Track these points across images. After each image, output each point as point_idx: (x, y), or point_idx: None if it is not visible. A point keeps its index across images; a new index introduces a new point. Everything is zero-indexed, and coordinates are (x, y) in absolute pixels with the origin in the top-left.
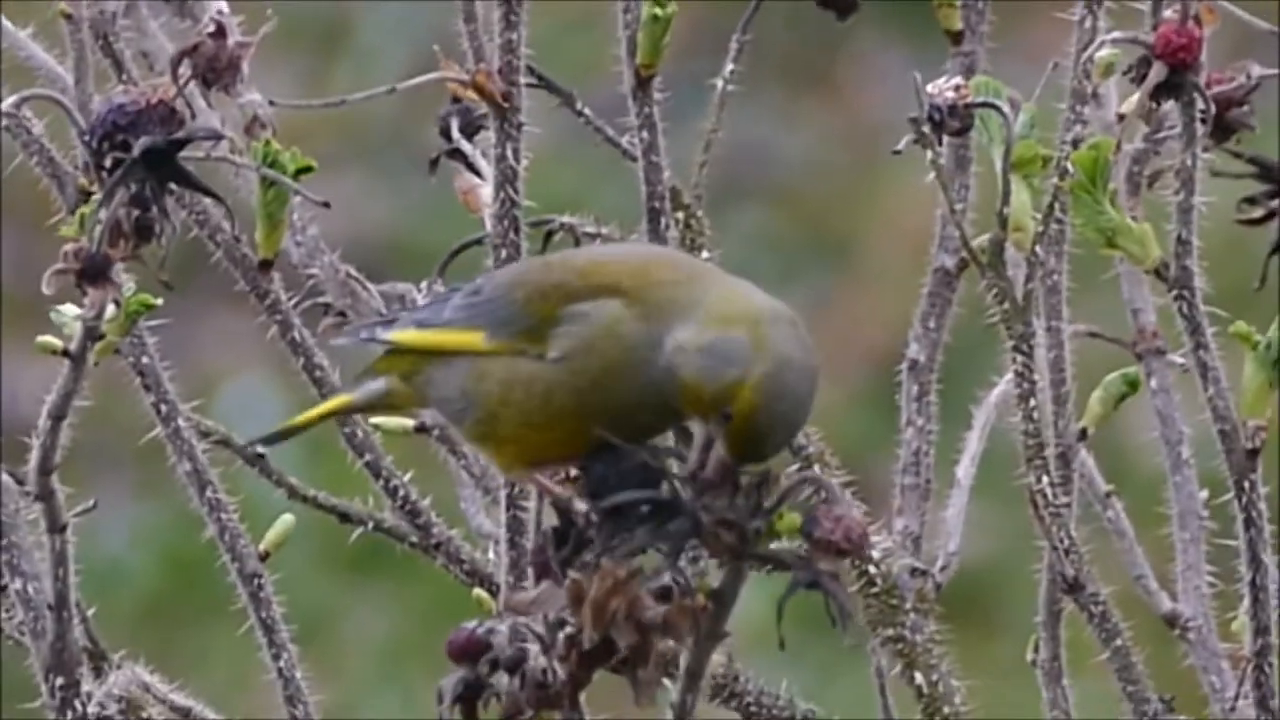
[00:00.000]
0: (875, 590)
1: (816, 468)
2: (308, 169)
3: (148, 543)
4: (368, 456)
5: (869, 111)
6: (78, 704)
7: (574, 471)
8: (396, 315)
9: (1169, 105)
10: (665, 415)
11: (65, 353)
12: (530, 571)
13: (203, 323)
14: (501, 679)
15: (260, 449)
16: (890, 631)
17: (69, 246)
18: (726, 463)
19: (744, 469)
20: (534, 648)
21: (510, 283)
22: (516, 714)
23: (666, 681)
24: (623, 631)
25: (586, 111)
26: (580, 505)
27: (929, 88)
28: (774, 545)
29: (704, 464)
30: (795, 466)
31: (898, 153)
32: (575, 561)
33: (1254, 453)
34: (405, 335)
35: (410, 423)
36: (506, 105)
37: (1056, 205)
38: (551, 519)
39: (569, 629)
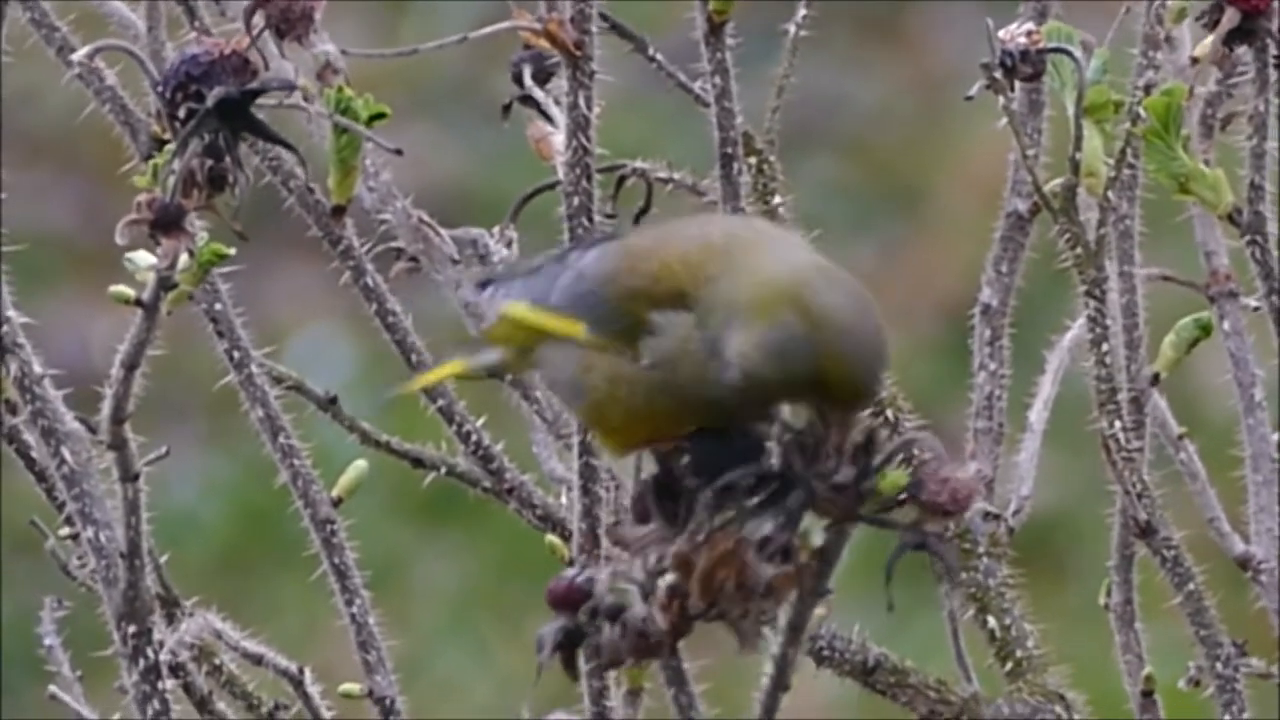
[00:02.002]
0: (948, 535)
1: (889, 413)
2: (381, 115)
3: (216, 493)
4: (440, 402)
5: (937, 59)
6: (150, 651)
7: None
8: (503, 275)
9: (1242, 50)
10: (761, 408)
11: (138, 302)
12: (630, 518)
13: (270, 272)
14: (602, 627)
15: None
16: (963, 576)
17: (142, 197)
18: (843, 429)
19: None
20: (634, 596)
21: (607, 276)
22: (616, 663)
23: (767, 630)
24: (731, 601)
25: (659, 58)
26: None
27: (1001, 33)
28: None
29: (819, 436)
30: (868, 412)
31: (970, 99)
32: (681, 526)
33: None
34: (517, 310)
35: None
36: (579, 54)
37: (1129, 150)
38: (651, 467)
39: (669, 577)
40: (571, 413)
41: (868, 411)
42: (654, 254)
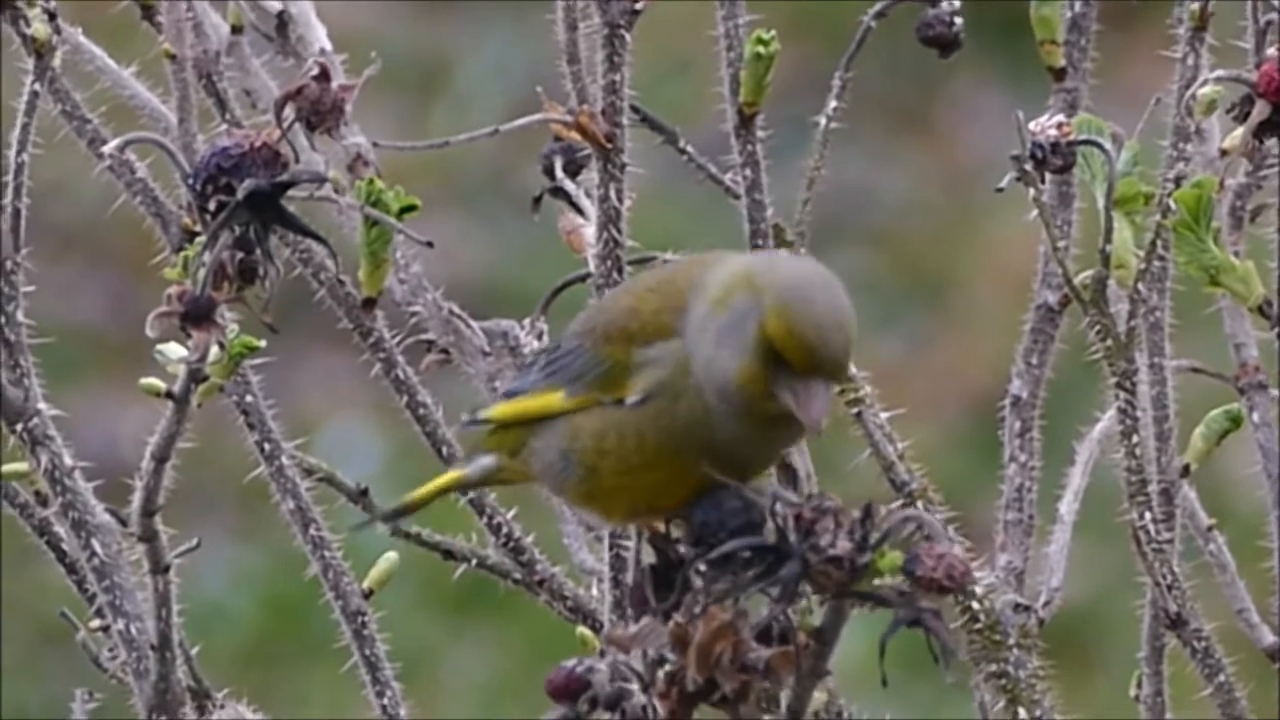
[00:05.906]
0: (978, 626)
1: (919, 505)
2: (412, 208)
3: (246, 585)
4: (471, 493)
5: (966, 151)
6: None
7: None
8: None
9: (1272, 142)
10: (760, 438)
11: (169, 395)
12: (629, 608)
13: (300, 363)
14: (601, 717)
15: (380, 514)
16: (994, 667)
17: (173, 289)
18: (811, 400)
19: (834, 386)
20: (634, 685)
21: (580, 331)
22: None
23: (766, 718)
24: (727, 676)
25: (690, 150)
26: (680, 545)
27: (1031, 125)
28: (875, 583)
29: (814, 508)
30: (897, 503)
31: (1001, 190)
32: (679, 606)
33: None
34: (497, 410)
35: None
36: (610, 146)
37: (1159, 242)
38: (650, 556)
39: (669, 666)
40: (570, 500)
41: (836, 389)
42: (623, 294)
